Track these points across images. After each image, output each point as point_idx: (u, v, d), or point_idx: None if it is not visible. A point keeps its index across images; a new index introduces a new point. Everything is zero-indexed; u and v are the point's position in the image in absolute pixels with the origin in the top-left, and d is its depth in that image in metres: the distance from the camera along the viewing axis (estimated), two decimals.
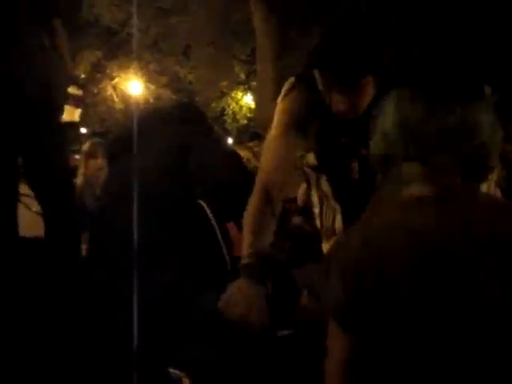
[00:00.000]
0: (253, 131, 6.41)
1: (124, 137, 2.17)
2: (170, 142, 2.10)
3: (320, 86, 1.47)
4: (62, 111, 2.56)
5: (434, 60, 1.69)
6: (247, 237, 1.47)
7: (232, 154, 2.49)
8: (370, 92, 1.43)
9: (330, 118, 1.52)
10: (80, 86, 2.73)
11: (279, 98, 1.60)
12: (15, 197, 2.54)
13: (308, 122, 1.55)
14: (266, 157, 1.59)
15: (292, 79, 1.62)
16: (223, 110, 15.33)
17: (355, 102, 1.42)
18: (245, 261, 1.42)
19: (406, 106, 1.00)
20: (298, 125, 1.54)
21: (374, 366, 0.97)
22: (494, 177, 1.37)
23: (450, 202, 0.98)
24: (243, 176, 2.38)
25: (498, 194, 1.62)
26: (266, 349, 1.82)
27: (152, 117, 2.38)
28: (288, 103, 1.58)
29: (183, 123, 2.19)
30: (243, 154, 4.49)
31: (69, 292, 2.24)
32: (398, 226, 0.97)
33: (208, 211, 1.93)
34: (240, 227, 1.98)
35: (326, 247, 1.85)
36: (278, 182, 1.54)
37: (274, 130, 1.58)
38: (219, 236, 1.93)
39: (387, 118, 1.03)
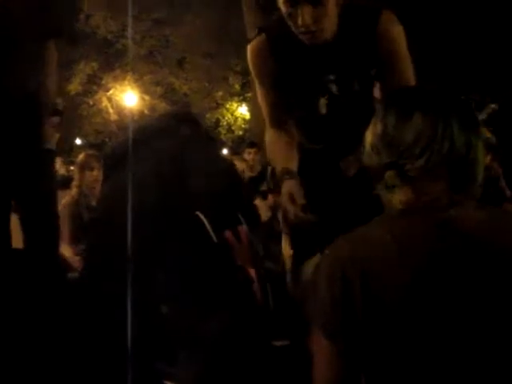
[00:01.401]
0: (250, 141, 6.47)
1: (121, 148, 2.17)
2: (167, 152, 2.11)
3: (281, 6, 1.64)
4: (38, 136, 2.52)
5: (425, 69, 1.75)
6: (278, 162, 1.89)
7: (226, 163, 2.50)
8: (333, 11, 1.62)
9: (298, 53, 1.73)
10: (59, 113, 2.66)
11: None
12: (8, 208, 2.52)
13: (276, 70, 1.82)
14: (263, 105, 1.94)
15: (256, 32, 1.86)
16: (218, 121, 15.38)
17: (319, 15, 1.61)
18: (285, 169, 1.82)
19: (387, 116, 1.03)
20: (269, 76, 1.85)
21: (360, 379, 0.97)
22: None
23: (430, 212, 0.99)
24: (238, 183, 2.39)
25: None
26: (262, 359, 1.82)
27: (149, 128, 2.38)
28: (256, 59, 1.84)
29: (180, 132, 2.20)
30: (237, 165, 4.52)
31: (53, 304, 2.23)
32: (380, 240, 0.98)
33: (205, 221, 1.94)
34: (237, 235, 2.00)
35: None
36: (279, 115, 1.92)
37: (257, 84, 1.91)
38: (218, 246, 1.93)
39: (371, 129, 1.06)
